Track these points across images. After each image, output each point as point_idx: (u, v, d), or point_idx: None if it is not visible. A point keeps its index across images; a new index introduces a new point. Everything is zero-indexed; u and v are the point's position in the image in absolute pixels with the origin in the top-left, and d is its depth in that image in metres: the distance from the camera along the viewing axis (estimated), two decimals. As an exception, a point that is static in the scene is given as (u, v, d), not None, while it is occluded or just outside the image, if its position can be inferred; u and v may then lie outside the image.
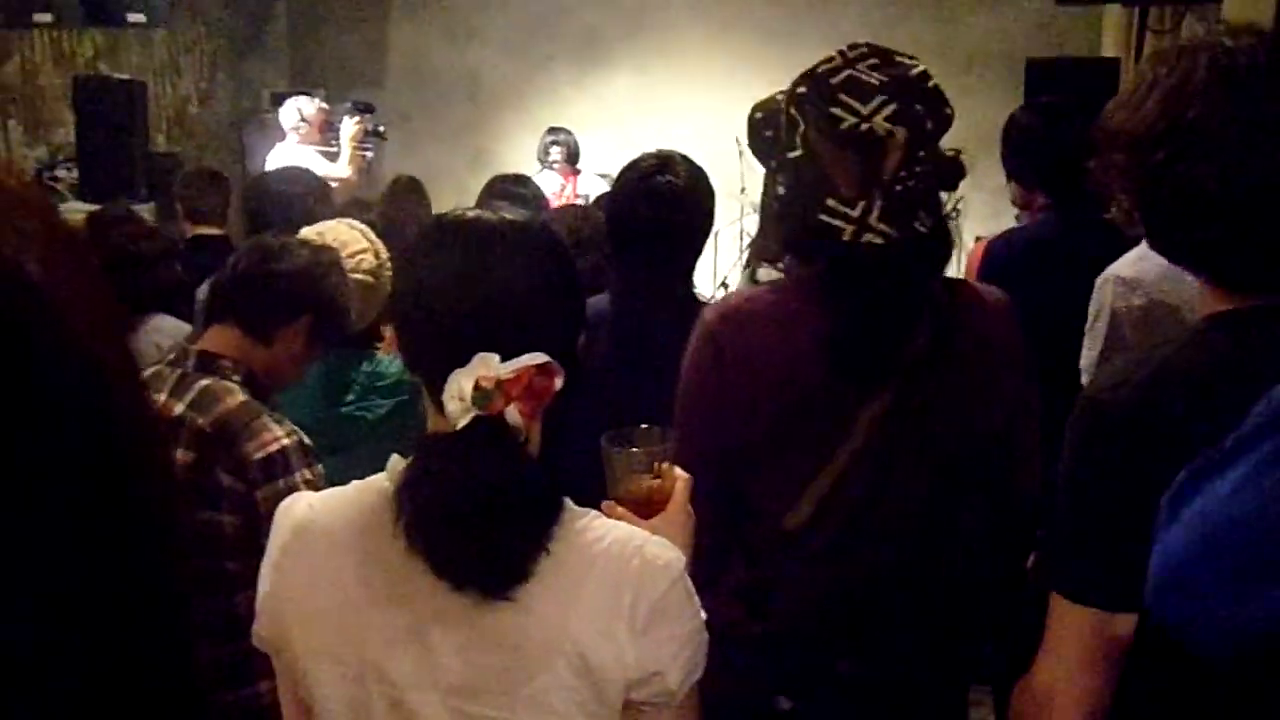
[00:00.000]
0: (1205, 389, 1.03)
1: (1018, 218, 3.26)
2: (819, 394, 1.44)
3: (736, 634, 1.39)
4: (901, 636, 1.47)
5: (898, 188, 1.35)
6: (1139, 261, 2.30)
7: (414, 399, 2.09)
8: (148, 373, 1.80)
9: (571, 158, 5.84)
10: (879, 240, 1.36)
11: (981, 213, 5.79)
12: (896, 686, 1.48)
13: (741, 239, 6.52)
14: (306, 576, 1.05)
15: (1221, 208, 1.03)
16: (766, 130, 1.49)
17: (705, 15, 7.09)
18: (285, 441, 1.72)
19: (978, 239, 4.09)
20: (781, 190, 1.45)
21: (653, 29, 7.21)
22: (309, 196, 3.15)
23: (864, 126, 1.34)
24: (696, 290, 2.18)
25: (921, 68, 1.41)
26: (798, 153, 1.41)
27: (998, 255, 2.92)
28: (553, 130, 5.92)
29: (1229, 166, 1.01)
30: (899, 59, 1.40)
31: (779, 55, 7.16)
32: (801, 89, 1.40)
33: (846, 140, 1.35)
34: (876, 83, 1.36)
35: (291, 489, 1.67)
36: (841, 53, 1.41)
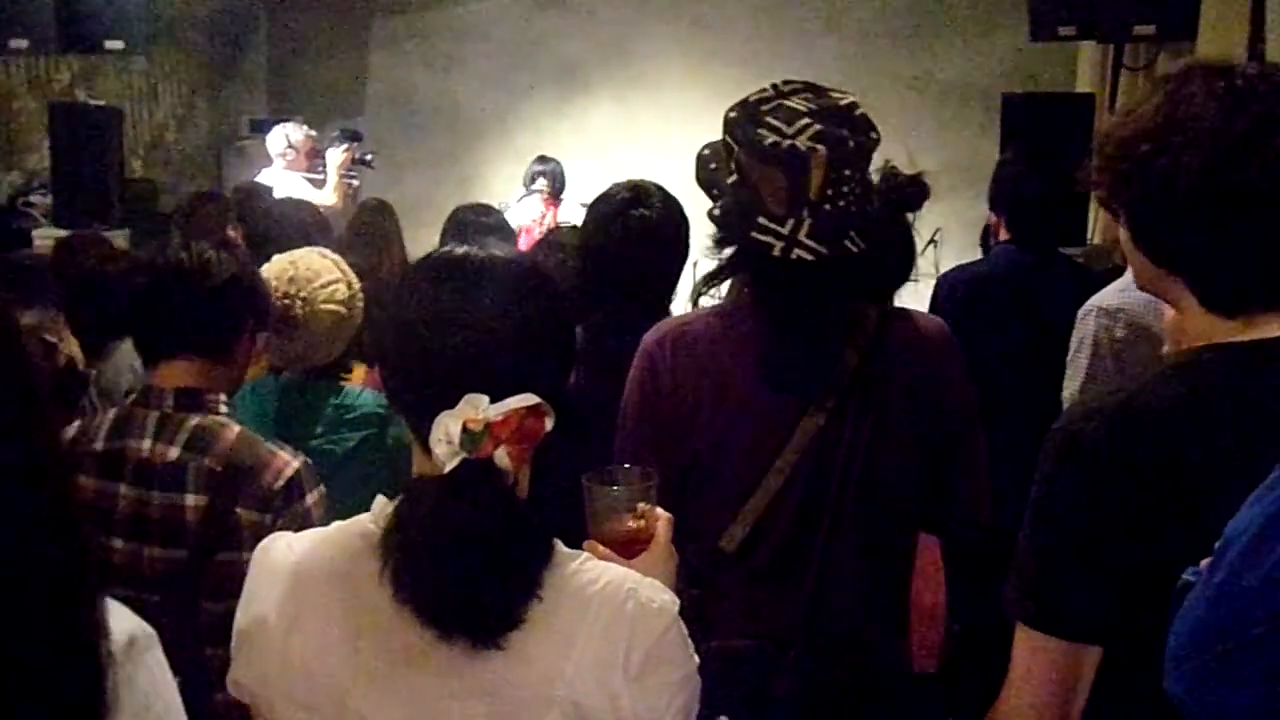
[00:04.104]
0: (1177, 422, 1.03)
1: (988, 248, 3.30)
2: (753, 413, 1.47)
3: None
4: (839, 655, 1.47)
5: (826, 206, 1.40)
6: (1122, 293, 2.32)
7: (382, 432, 2.07)
8: (113, 414, 1.75)
9: (556, 187, 5.86)
10: (809, 256, 1.41)
11: (959, 244, 5.84)
12: (834, 705, 1.48)
13: (721, 269, 6.54)
14: (286, 621, 1.01)
15: (1204, 204, 1.02)
16: (712, 164, 1.55)
17: (685, 46, 7.15)
18: (296, 464, 1.68)
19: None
20: (718, 213, 1.51)
21: (633, 59, 7.26)
22: (311, 225, 3.18)
23: (786, 144, 1.40)
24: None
25: (852, 99, 1.47)
26: (733, 178, 1.47)
27: (940, 290, 2.95)
28: (541, 159, 5.94)
29: (1214, 160, 1.01)
30: (831, 92, 1.47)
31: (757, 86, 7.21)
32: (733, 114, 1.48)
33: (771, 158, 1.41)
34: (804, 109, 1.43)
35: (305, 513, 1.64)
36: (775, 86, 1.49)
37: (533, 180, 5.87)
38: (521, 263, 1.07)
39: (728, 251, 1.53)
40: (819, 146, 1.39)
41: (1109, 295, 2.35)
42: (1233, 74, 1.04)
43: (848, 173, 1.40)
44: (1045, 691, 1.07)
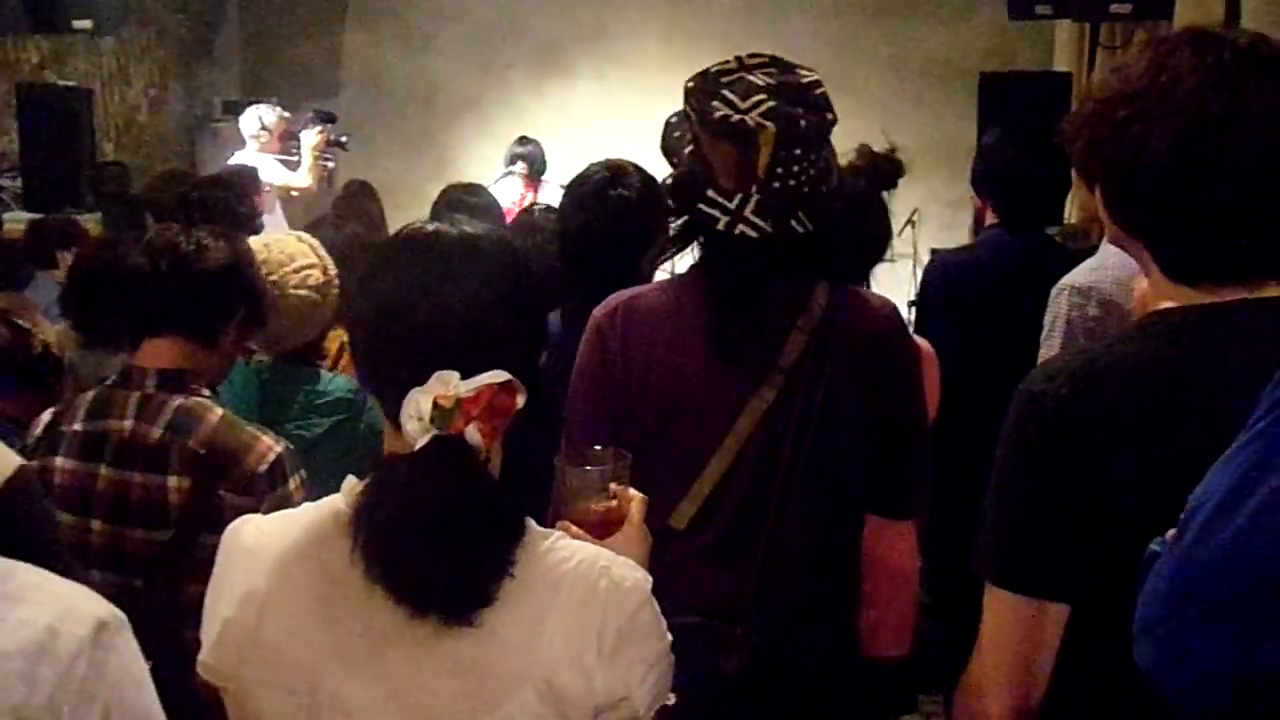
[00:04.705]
0: (1138, 382, 1.03)
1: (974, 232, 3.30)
2: (702, 387, 1.47)
3: None
4: (786, 635, 1.48)
5: (775, 184, 1.40)
6: (1094, 271, 2.34)
7: (354, 418, 2.06)
8: (91, 395, 1.74)
9: (535, 168, 5.82)
10: (752, 233, 1.41)
11: (937, 224, 5.86)
12: (784, 682, 1.48)
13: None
14: (258, 603, 1.01)
15: (1171, 176, 1.02)
16: (675, 132, 1.56)
17: (664, 25, 7.12)
18: (278, 449, 1.68)
19: (933, 250, 4.11)
20: (670, 182, 1.51)
21: (612, 38, 7.22)
22: (239, 200, 3.18)
23: (735, 118, 1.40)
24: None
25: (816, 77, 1.47)
26: (689, 147, 1.47)
27: (929, 275, 2.95)
28: (522, 140, 5.89)
29: (1185, 134, 1.01)
30: (797, 69, 1.47)
31: (736, 67, 7.17)
32: (692, 84, 1.47)
33: (721, 131, 1.41)
34: (762, 84, 1.42)
35: (286, 498, 1.63)
36: (739, 58, 1.48)
37: (512, 161, 5.83)
38: (493, 239, 1.06)
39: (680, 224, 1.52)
40: (767, 123, 1.39)
41: (1081, 274, 2.36)
42: (1222, 46, 1.03)
43: (798, 152, 1.40)
44: (1011, 649, 1.09)
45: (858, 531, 1.56)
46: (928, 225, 5.71)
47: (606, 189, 1.97)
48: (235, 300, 1.75)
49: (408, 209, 4.05)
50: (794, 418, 1.45)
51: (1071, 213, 4.11)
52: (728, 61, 1.47)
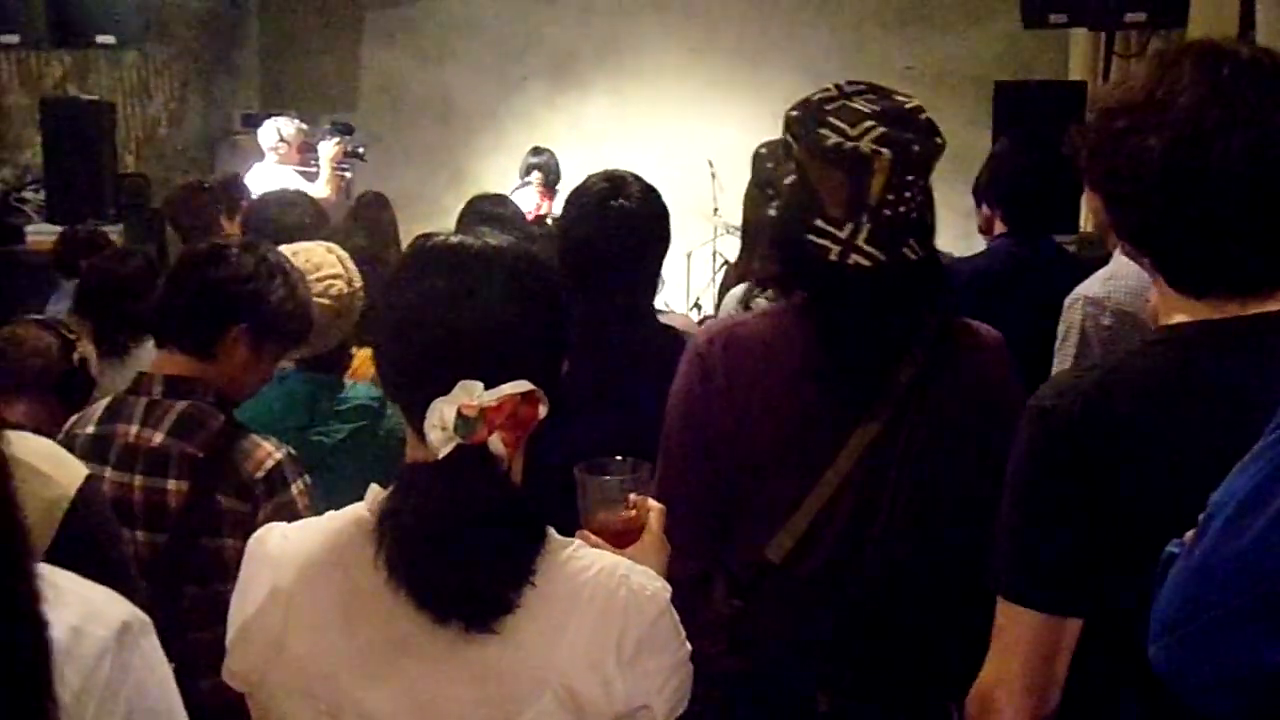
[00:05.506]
0: (1149, 397, 1.04)
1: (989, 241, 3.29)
2: (805, 421, 1.43)
3: (716, 668, 1.34)
4: (881, 673, 1.45)
5: (886, 211, 1.37)
6: (1108, 281, 2.33)
7: (374, 425, 2.08)
8: (106, 401, 1.77)
9: (550, 179, 5.85)
10: (866, 263, 1.37)
11: (951, 233, 5.84)
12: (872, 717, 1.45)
13: (714, 260, 6.55)
14: (282, 611, 1.02)
15: (1165, 187, 1.03)
16: (769, 162, 1.50)
17: (677, 38, 7.14)
18: (279, 455, 1.70)
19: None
20: (773, 213, 1.47)
21: (626, 51, 7.25)
22: (309, 227, 3.20)
23: (848, 145, 1.36)
24: (665, 310, 2.14)
25: (917, 102, 1.44)
26: (792, 177, 1.43)
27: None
28: (536, 150, 5.93)
29: (1178, 145, 1.01)
30: (896, 95, 1.44)
31: (750, 77, 7.20)
32: (795, 113, 1.44)
33: (833, 159, 1.37)
34: (868, 111, 1.39)
35: (289, 503, 1.65)
36: (839, 86, 1.45)
37: (527, 172, 5.86)
38: (516, 249, 1.07)
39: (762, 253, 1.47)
40: (883, 150, 1.35)
41: (1095, 284, 2.36)
42: (1224, 59, 1.04)
43: (910, 178, 1.37)
44: (1025, 663, 1.09)
45: (963, 563, 1.52)
46: (942, 234, 5.69)
47: (607, 199, 1.93)
48: (227, 314, 1.74)
49: (424, 220, 4.07)
50: (899, 450, 1.41)
51: (1086, 220, 4.10)
52: (827, 89, 1.44)
